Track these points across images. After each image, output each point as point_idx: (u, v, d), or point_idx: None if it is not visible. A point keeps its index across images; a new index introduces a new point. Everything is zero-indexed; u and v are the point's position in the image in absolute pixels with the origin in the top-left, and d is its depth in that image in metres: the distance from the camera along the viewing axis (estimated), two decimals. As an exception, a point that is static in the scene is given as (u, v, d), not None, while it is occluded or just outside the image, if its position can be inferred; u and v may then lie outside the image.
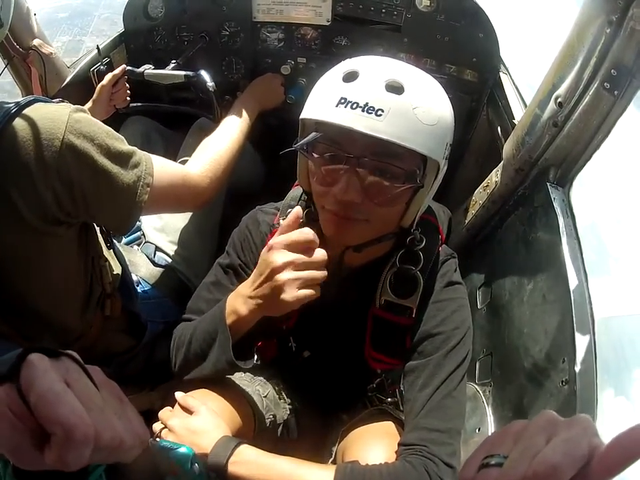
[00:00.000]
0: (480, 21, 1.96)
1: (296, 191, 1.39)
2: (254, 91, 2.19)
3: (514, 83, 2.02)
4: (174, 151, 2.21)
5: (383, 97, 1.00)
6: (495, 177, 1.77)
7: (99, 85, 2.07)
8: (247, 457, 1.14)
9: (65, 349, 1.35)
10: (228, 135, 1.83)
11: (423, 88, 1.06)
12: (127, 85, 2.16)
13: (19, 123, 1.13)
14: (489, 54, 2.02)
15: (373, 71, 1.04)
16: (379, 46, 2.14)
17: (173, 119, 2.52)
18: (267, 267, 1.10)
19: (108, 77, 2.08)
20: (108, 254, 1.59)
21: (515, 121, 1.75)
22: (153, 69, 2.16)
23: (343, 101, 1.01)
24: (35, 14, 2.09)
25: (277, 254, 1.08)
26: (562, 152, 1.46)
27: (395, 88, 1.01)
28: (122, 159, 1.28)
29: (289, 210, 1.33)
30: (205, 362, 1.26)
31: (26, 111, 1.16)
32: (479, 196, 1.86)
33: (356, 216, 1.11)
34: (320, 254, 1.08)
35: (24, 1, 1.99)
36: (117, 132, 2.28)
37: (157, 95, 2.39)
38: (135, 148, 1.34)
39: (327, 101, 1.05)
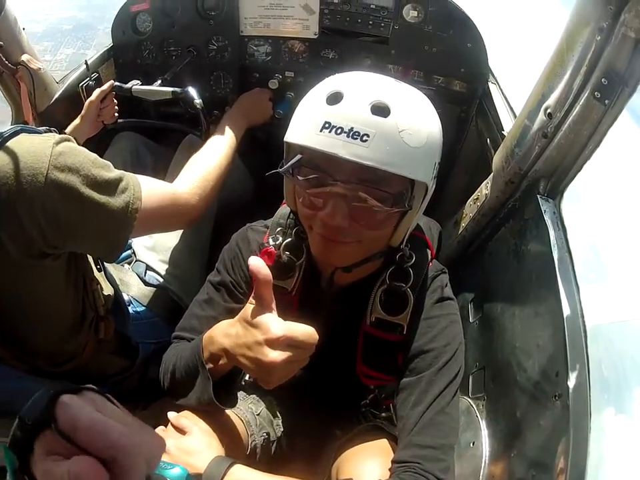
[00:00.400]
0: (468, 31, 1.96)
1: (284, 209, 1.38)
2: (241, 106, 2.18)
3: (503, 93, 2.01)
4: (163, 167, 2.21)
5: (368, 121, 0.97)
6: (484, 189, 1.75)
7: (87, 101, 2.06)
8: (240, 477, 1.11)
9: (58, 369, 1.32)
10: (216, 151, 1.82)
11: (409, 108, 1.03)
12: (115, 101, 2.15)
13: (3, 158, 1.11)
14: (477, 64, 2.02)
15: (358, 91, 1.01)
16: (367, 58, 2.14)
17: (161, 135, 2.51)
18: (260, 346, 1.03)
19: (96, 92, 2.07)
20: (99, 276, 1.57)
21: (505, 132, 1.74)
22: (141, 84, 2.15)
23: (327, 125, 0.99)
24: (23, 28, 2.07)
25: (278, 348, 1.01)
26: (552, 163, 1.45)
27: (381, 109, 0.99)
28: (109, 187, 1.25)
29: (279, 228, 1.33)
30: (189, 395, 1.24)
31: (9, 144, 1.13)
32: (469, 209, 1.85)
33: (344, 239, 1.10)
34: (314, 340, 1.03)
35: (13, 16, 1.97)
36: (106, 148, 2.29)
37: (145, 111, 2.39)
38: (121, 173, 1.31)
39: (310, 125, 1.02)
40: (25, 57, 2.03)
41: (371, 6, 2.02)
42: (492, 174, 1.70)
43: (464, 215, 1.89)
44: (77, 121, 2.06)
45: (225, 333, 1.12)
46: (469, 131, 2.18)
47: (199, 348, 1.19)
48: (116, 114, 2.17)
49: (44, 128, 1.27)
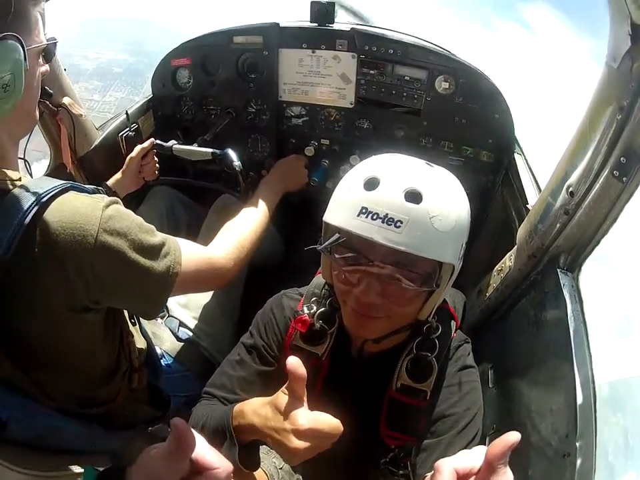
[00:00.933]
0: (496, 102, 2.02)
1: (319, 279, 1.45)
2: (279, 173, 2.24)
3: (528, 165, 2.06)
4: (197, 224, 2.28)
5: (402, 208, 1.04)
6: (508, 261, 1.79)
7: (128, 157, 2.14)
8: None
9: (88, 411, 1.33)
10: (253, 217, 1.88)
11: (439, 194, 1.10)
12: (156, 159, 2.21)
13: (52, 214, 1.13)
14: (504, 135, 2.08)
15: (393, 178, 1.09)
16: (400, 129, 2.22)
17: (196, 191, 2.57)
18: (287, 433, 1.08)
19: (137, 149, 2.14)
20: (133, 329, 1.62)
21: (529, 206, 1.79)
22: (181, 143, 2.22)
23: (364, 211, 1.06)
24: (65, 69, 2.11)
25: (302, 439, 1.07)
26: (572, 239, 1.49)
27: (414, 196, 1.06)
28: (153, 251, 1.30)
29: (313, 298, 1.41)
30: None
31: (60, 201, 1.16)
32: (493, 279, 1.88)
33: (376, 314, 1.16)
34: (338, 432, 1.08)
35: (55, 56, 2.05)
36: (141, 201, 2.36)
37: (183, 166, 2.47)
38: (164, 237, 1.37)
39: (349, 208, 1.09)
40: (66, 100, 2.07)
41: (405, 78, 2.11)
42: (516, 246, 1.74)
43: (487, 285, 1.92)
44: (118, 175, 2.13)
45: (255, 412, 1.17)
46: (494, 200, 2.22)
47: (229, 417, 1.24)
48: (157, 171, 2.24)
49: (92, 187, 1.31)
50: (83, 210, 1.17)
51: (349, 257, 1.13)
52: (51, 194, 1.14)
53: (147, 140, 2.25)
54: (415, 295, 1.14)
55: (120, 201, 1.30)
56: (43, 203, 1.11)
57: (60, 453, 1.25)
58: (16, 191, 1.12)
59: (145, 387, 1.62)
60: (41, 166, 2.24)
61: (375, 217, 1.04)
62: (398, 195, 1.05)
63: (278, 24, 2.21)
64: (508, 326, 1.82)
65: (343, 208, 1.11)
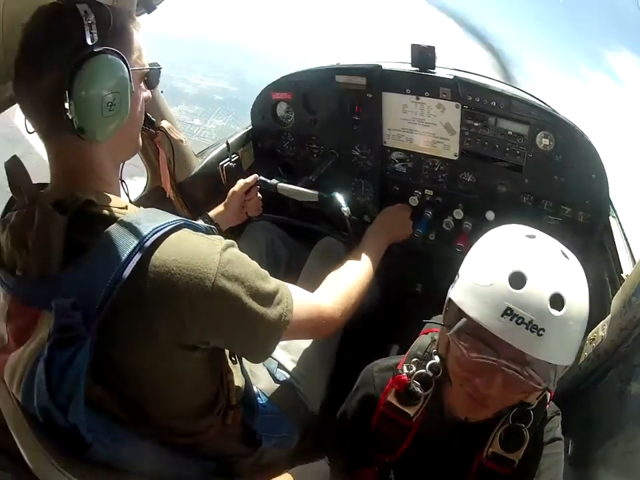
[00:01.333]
0: (593, 161, 1.99)
1: (424, 340, 1.49)
2: (385, 223, 2.25)
3: (622, 229, 2.05)
4: (297, 265, 2.29)
5: (546, 315, 1.05)
6: (601, 331, 1.77)
7: (231, 191, 2.16)
8: None
9: (176, 440, 1.36)
10: (360, 267, 1.89)
11: (578, 297, 1.11)
12: (260, 195, 2.24)
13: (167, 251, 1.13)
14: (600, 196, 2.05)
15: (540, 278, 1.08)
16: (502, 185, 2.21)
17: (297, 228, 2.56)
18: None
19: (240, 184, 2.16)
20: (233, 367, 1.64)
21: (624, 275, 1.79)
22: (284, 181, 2.25)
23: (509, 312, 1.05)
24: (162, 91, 2.13)
25: None
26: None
27: (558, 303, 1.06)
28: (267, 298, 1.31)
29: (415, 359, 1.45)
30: None
31: (175, 238, 1.16)
32: (586, 348, 1.84)
33: (492, 403, 1.20)
34: None
35: None
36: (239, 234, 2.37)
37: (285, 203, 2.47)
38: (277, 284, 1.37)
39: (491, 304, 1.09)
40: (165, 124, 2.03)
41: (508, 132, 2.09)
42: (609, 316, 1.72)
43: (580, 353, 1.87)
44: (220, 207, 2.14)
45: None
46: (589, 264, 2.18)
47: None
48: (261, 207, 2.26)
49: (205, 225, 1.32)
50: (200, 251, 1.18)
51: (477, 346, 1.12)
52: (165, 229, 1.15)
53: (247, 171, 2.31)
54: (533, 388, 1.14)
55: (235, 244, 1.31)
56: (158, 239, 1.12)
57: (141, 476, 1.29)
58: (126, 221, 1.13)
59: (239, 425, 1.64)
60: (135, 184, 2.24)
61: (519, 322, 1.04)
62: (544, 300, 1.05)
63: (380, 66, 2.20)
64: (594, 398, 1.81)
65: (484, 301, 1.10)
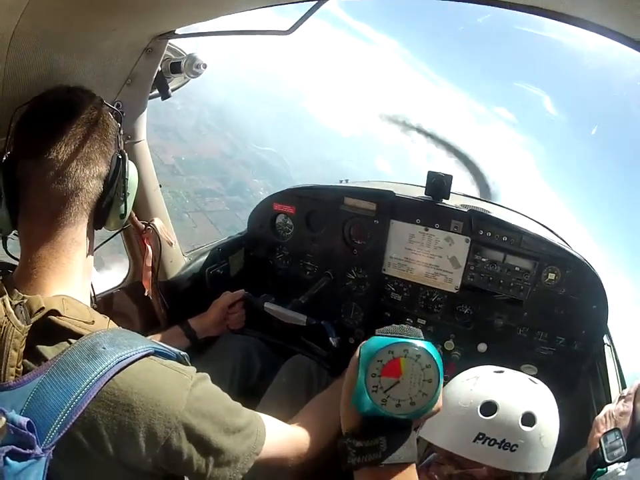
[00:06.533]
0: (597, 294, 2.01)
1: None
2: None
3: (617, 359, 2.04)
4: (270, 376, 2.17)
5: (518, 432, 1.13)
6: (584, 458, 1.64)
7: (215, 302, 2.13)
8: None
9: None
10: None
11: (549, 414, 1.19)
12: (244, 310, 2.19)
13: (131, 383, 1.08)
14: (598, 325, 2.05)
15: (511, 403, 1.16)
16: (500, 319, 2.18)
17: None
18: None
19: (226, 297, 2.13)
20: None
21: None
22: (272, 300, 2.18)
23: (481, 437, 1.12)
24: (160, 185, 2.07)
25: None
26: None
27: (529, 420, 1.14)
28: (238, 433, 1.26)
29: None
30: None
31: (141, 370, 1.10)
32: (565, 469, 1.74)
33: None
34: None
35: (152, 170, 2.00)
36: (217, 339, 2.24)
37: (268, 318, 2.33)
38: (250, 417, 1.33)
39: (463, 432, 1.15)
40: (157, 222, 1.98)
41: (516, 268, 2.09)
42: None
43: (558, 475, 1.74)
44: (201, 316, 2.10)
45: None
46: (577, 387, 2.15)
47: None
48: (243, 322, 2.21)
49: (176, 351, 1.25)
50: (168, 387, 1.13)
51: (448, 471, 1.17)
52: (132, 357, 1.09)
53: (234, 276, 2.25)
54: None
55: (208, 377, 1.26)
56: (121, 369, 1.06)
57: None
58: (87, 342, 1.06)
59: None
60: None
61: (492, 443, 1.12)
62: (516, 421, 1.14)
63: (394, 192, 2.21)
64: None
65: (455, 430, 1.17)
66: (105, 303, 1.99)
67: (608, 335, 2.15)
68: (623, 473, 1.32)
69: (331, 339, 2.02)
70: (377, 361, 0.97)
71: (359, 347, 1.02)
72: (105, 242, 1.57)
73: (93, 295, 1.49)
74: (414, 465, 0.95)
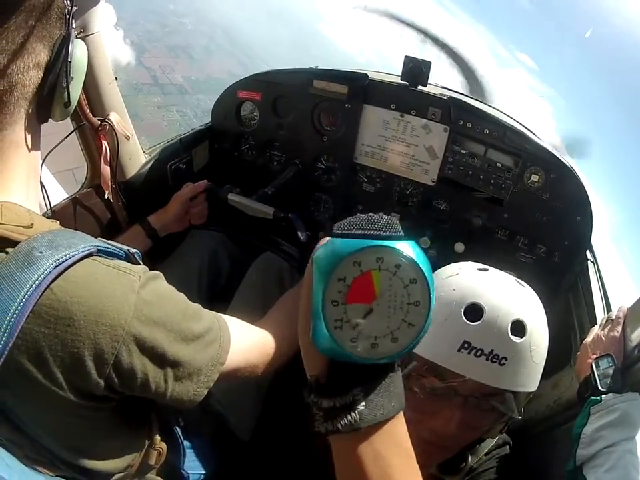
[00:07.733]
0: (582, 204, 1.94)
1: None
2: None
3: (600, 277, 1.98)
4: (238, 276, 2.09)
5: (507, 343, 1.00)
6: (566, 380, 1.74)
7: (175, 195, 2.00)
8: None
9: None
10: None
11: (540, 324, 1.07)
12: (206, 203, 2.07)
13: (70, 290, 0.91)
14: (581, 238, 2.01)
15: (499, 308, 1.02)
16: (478, 217, 2.11)
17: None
18: None
19: (187, 189, 2.01)
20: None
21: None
22: (237, 191, 2.06)
23: (466, 346, 1.00)
24: (115, 78, 1.84)
25: None
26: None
27: (519, 329, 1.01)
28: (197, 341, 1.11)
29: None
30: None
31: (81, 274, 0.94)
32: (546, 392, 1.80)
33: (450, 444, 1.11)
34: None
35: (106, 59, 1.77)
36: (182, 239, 2.16)
37: (233, 211, 2.20)
38: (211, 321, 1.18)
39: (445, 340, 1.02)
40: (113, 117, 1.81)
41: (497, 164, 1.99)
42: (576, 366, 1.65)
43: (538, 396, 1.71)
44: (162, 211, 1.98)
45: None
46: (557, 303, 2.12)
47: None
48: (206, 216, 2.10)
49: (125, 248, 1.08)
50: (111, 292, 0.96)
51: (435, 389, 1.05)
52: (71, 259, 0.92)
53: (198, 173, 2.12)
54: (494, 420, 1.10)
55: (161, 275, 1.10)
56: (60, 274, 0.90)
57: None
58: (23, 248, 0.90)
59: (163, 464, 1.45)
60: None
61: (478, 354, 0.99)
62: (505, 328, 1.00)
63: (367, 75, 2.05)
64: (551, 442, 1.76)
65: (438, 338, 1.02)
66: (63, 212, 1.85)
67: (591, 251, 2.07)
68: (618, 405, 1.28)
69: (299, 233, 1.89)
70: (337, 280, 0.61)
71: (312, 254, 0.68)
72: (58, 144, 1.44)
73: (48, 200, 1.39)
74: (401, 414, 0.70)
